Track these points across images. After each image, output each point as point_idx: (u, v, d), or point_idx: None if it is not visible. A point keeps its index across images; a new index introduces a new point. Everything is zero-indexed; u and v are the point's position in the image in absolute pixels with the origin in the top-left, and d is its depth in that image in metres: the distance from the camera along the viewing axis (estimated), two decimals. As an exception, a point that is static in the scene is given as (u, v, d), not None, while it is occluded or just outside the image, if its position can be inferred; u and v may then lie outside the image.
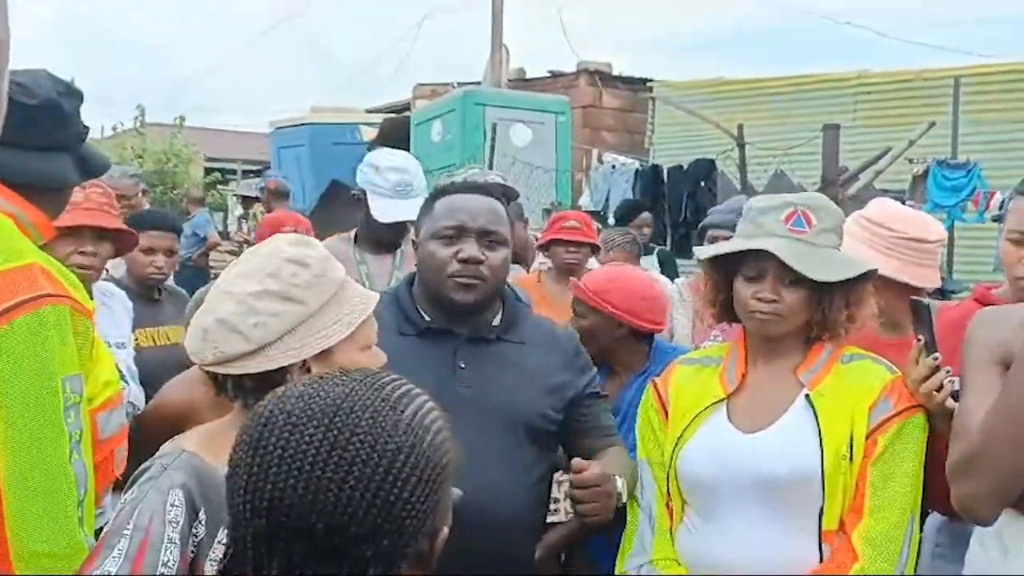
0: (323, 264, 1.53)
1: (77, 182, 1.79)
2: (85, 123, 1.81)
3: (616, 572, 2.12)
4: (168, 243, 3.45)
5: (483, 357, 2.08)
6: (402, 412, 0.99)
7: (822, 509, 1.86)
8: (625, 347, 2.81)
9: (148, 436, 2.44)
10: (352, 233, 3.27)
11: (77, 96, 1.77)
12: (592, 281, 2.85)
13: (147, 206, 5.93)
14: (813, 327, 1.95)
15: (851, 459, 1.86)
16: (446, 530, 0.97)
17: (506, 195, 2.89)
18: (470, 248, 2.05)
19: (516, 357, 2.11)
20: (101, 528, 2.57)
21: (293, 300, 1.47)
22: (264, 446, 0.96)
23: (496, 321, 2.15)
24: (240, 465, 0.98)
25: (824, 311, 1.93)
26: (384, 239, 3.18)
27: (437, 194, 2.17)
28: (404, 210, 3.01)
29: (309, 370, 1.47)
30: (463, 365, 2.05)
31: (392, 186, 3.10)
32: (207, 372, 1.52)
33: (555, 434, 2.15)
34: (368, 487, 0.92)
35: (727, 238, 3.39)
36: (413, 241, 2.21)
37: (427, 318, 2.11)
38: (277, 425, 0.97)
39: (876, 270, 2.00)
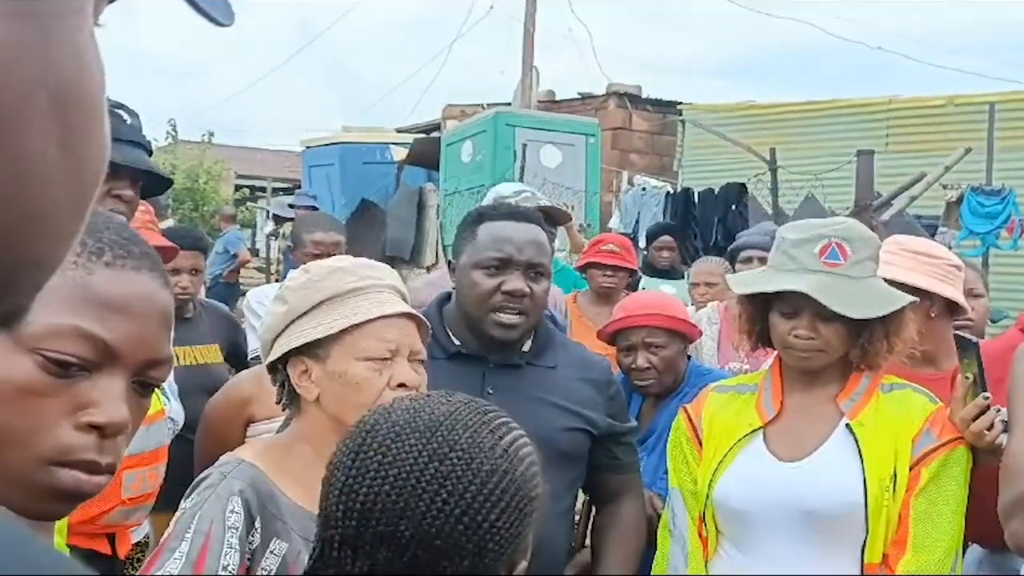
0: (326, 273, 1.58)
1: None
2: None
3: None
4: (193, 262, 3.41)
5: (512, 383, 2.07)
6: (500, 438, 1.01)
7: (865, 541, 1.84)
8: (683, 364, 2.82)
9: (218, 419, 2.52)
10: None
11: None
12: (665, 307, 2.82)
13: (170, 222, 5.95)
14: (852, 358, 1.94)
15: (894, 491, 1.84)
16: (524, 564, 0.97)
17: (555, 219, 2.93)
18: (515, 281, 2.03)
19: (546, 382, 2.10)
20: (139, 542, 2.61)
21: (281, 300, 1.60)
22: (365, 451, 0.99)
23: (527, 346, 2.14)
24: (339, 468, 1.01)
25: (864, 344, 1.91)
26: None
27: (479, 218, 2.14)
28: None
29: (308, 373, 1.55)
30: (491, 391, 2.03)
31: (511, 193, 3.33)
32: None
33: (584, 459, 2.14)
34: (459, 503, 0.94)
35: (762, 259, 3.41)
36: (449, 262, 2.20)
37: (456, 342, 2.10)
38: (380, 433, 1.00)
39: (916, 300, 1.99)
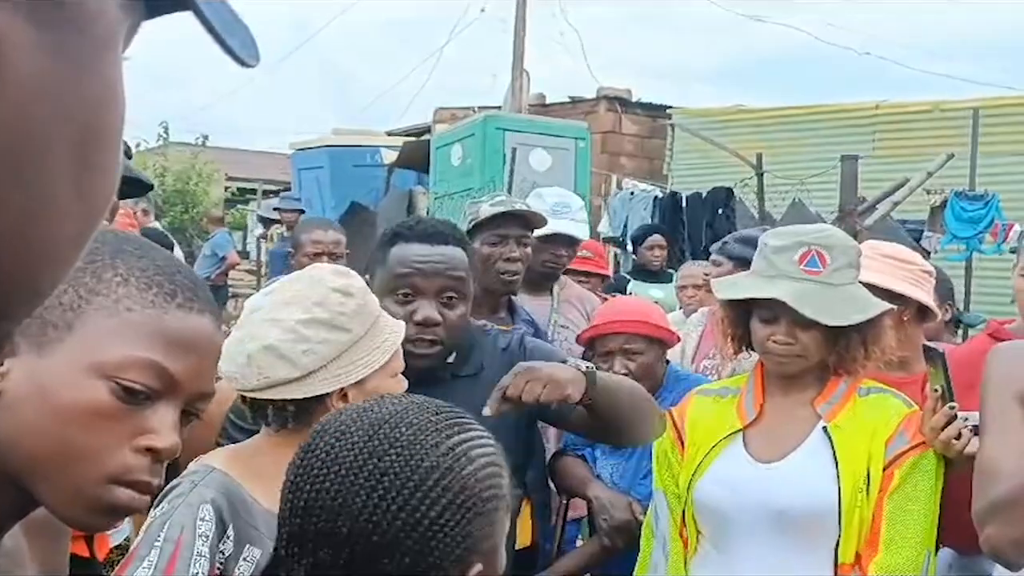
0: (364, 294, 1.57)
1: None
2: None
3: None
4: None
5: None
6: (447, 437, 1.01)
7: (838, 542, 1.87)
8: (662, 369, 2.83)
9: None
10: None
11: None
12: (643, 314, 2.81)
13: (157, 225, 5.93)
14: (830, 364, 1.98)
15: (867, 492, 1.87)
16: (479, 567, 0.95)
17: (531, 222, 2.94)
18: (426, 309, 1.91)
19: (470, 393, 1.96)
20: (119, 545, 2.62)
21: (340, 328, 1.51)
22: (312, 450, 1.01)
23: (451, 358, 2.02)
24: (290, 468, 1.02)
25: (841, 350, 1.95)
26: (539, 278, 3.28)
27: (392, 239, 1.99)
28: (558, 226, 3.24)
29: (346, 396, 1.51)
30: None
31: (550, 206, 3.32)
32: (244, 397, 1.56)
33: (522, 465, 2.08)
34: (395, 499, 0.94)
35: (730, 265, 3.41)
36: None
37: None
38: (328, 432, 1.02)
39: (894, 308, 2.02)
